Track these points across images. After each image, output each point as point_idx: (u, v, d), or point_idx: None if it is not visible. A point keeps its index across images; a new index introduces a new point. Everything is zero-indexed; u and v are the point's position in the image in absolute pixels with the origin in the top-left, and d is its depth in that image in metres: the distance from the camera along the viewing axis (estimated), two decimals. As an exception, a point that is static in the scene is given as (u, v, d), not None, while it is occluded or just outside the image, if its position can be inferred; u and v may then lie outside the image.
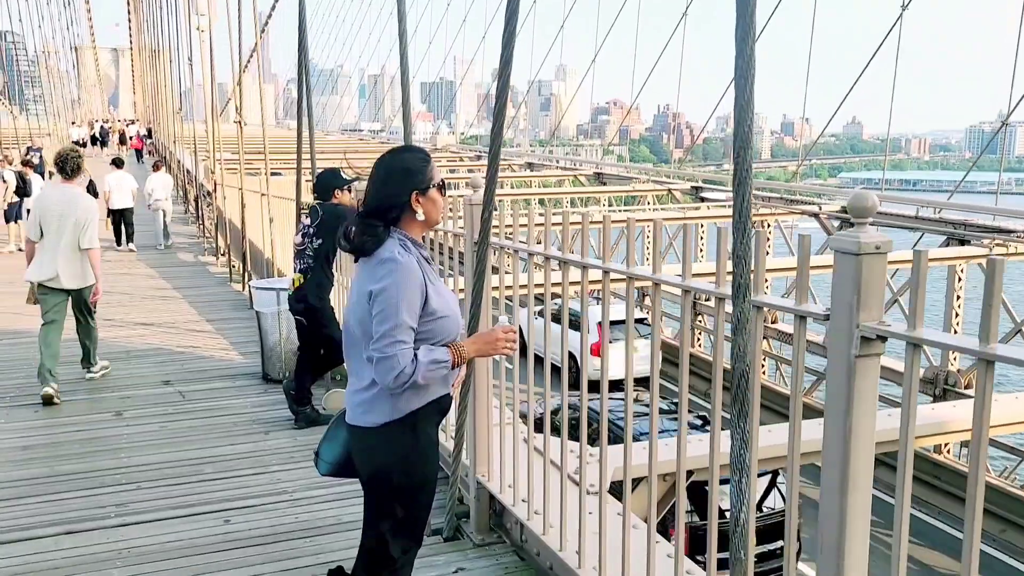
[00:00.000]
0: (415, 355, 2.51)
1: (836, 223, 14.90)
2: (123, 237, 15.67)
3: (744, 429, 1.86)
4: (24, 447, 5.50)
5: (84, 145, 27.28)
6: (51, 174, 22.28)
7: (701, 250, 16.65)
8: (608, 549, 3.11)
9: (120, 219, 15.64)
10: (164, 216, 16.29)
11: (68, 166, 6.62)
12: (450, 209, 4.21)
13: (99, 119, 64.46)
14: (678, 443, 2.64)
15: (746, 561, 1.90)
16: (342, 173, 5.75)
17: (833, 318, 1.90)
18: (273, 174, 10.62)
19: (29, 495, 4.70)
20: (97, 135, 45.95)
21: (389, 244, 2.53)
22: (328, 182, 5.66)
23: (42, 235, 6.39)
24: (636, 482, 4.50)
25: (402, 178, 2.56)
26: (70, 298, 6.61)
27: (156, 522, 4.35)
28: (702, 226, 16.40)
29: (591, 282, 3.19)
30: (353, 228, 2.57)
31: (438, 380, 2.62)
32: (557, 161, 28.18)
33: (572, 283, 3.24)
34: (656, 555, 2.89)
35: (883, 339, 1.85)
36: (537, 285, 3.68)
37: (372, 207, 2.57)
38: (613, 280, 2.85)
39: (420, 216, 2.62)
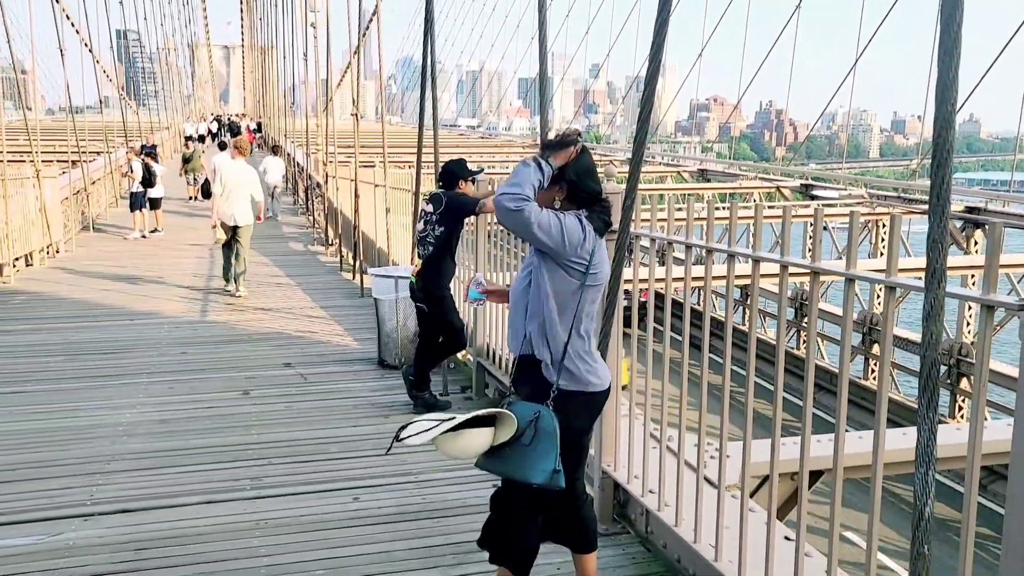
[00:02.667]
0: None
1: (958, 223, 14.21)
2: None
3: (932, 419, 1.79)
4: (161, 420, 5.78)
5: (203, 139, 28.03)
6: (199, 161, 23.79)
7: (810, 249, 16.09)
8: (748, 544, 3.06)
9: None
10: (273, 191, 19.01)
11: (247, 149, 10.74)
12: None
13: (211, 113, 67.35)
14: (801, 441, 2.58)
15: (929, 556, 1.84)
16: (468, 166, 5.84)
17: (1031, 308, 1.81)
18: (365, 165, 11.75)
19: (170, 465, 4.94)
20: (211, 129, 47.96)
21: None
22: (454, 171, 5.75)
23: (221, 190, 10.15)
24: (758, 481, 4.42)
25: None
26: (234, 231, 10.22)
27: (289, 496, 4.51)
28: (811, 224, 15.89)
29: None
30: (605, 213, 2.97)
31: None
32: (653, 157, 27.84)
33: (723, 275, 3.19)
34: (802, 552, 2.82)
35: (1088, 331, 1.75)
36: (653, 279, 3.63)
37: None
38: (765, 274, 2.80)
39: None
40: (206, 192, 20.84)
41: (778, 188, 18.53)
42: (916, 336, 13.44)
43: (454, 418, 2.82)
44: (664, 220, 3.63)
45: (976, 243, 13.90)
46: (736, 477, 3.49)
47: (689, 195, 19.44)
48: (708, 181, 21.81)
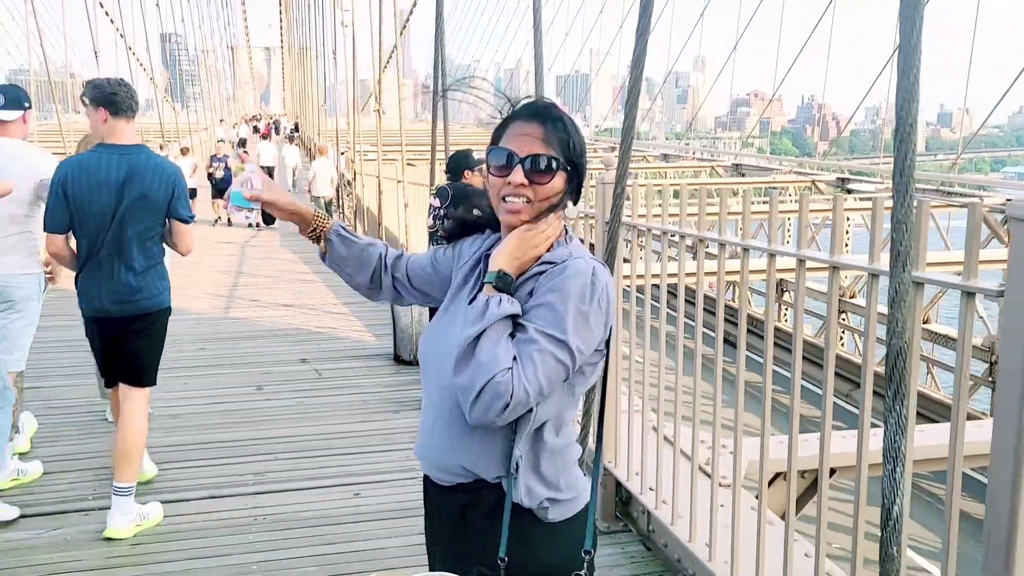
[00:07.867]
0: None
1: (999, 216, 13.75)
2: None
3: (900, 413, 1.68)
4: (173, 415, 5.80)
5: (243, 144, 27.15)
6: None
7: (847, 244, 15.76)
8: (741, 543, 2.95)
9: (268, 172, 22.03)
10: (293, 172, 25.24)
11: (326, 150, 17.95)
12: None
13: (255, 115, 68.62)
14: (821, 439, 2.46)
15: (899, 558, 1.73)
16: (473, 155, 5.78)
17: (1009, 294, 1.69)
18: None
19: (178, 460, 4.95)
20: (258, 128, 49.16)
21: None
22: (460, 162, 5.71)
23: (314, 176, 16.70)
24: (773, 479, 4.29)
25: None
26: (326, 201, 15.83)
27: (290, 492, 4.49)
28: (848, 219, 15.53)
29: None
30: None
31: None
32: (693, 153, 27.51)
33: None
34: (794, 553, 2.71)
35: (1070, 317, 1.63)
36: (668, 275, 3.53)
37: None
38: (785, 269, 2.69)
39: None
40: (268, 217, 21.48)
41: (814, 182, 18.15)
42: (954, 332, 13.03)
43: None
44: (659, 215, 3.53)
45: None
46: (746, 475, 3.38)
47: (719, 190, 19.17)
48: (743, 176, 21.44)
